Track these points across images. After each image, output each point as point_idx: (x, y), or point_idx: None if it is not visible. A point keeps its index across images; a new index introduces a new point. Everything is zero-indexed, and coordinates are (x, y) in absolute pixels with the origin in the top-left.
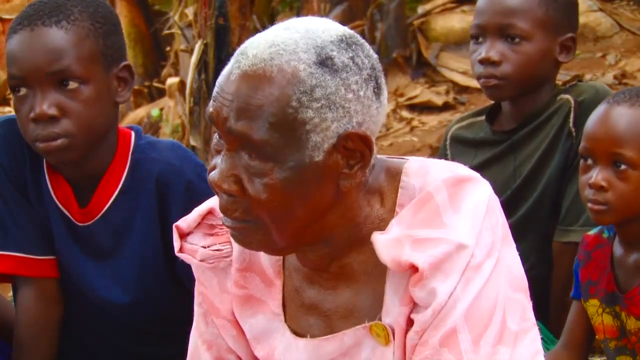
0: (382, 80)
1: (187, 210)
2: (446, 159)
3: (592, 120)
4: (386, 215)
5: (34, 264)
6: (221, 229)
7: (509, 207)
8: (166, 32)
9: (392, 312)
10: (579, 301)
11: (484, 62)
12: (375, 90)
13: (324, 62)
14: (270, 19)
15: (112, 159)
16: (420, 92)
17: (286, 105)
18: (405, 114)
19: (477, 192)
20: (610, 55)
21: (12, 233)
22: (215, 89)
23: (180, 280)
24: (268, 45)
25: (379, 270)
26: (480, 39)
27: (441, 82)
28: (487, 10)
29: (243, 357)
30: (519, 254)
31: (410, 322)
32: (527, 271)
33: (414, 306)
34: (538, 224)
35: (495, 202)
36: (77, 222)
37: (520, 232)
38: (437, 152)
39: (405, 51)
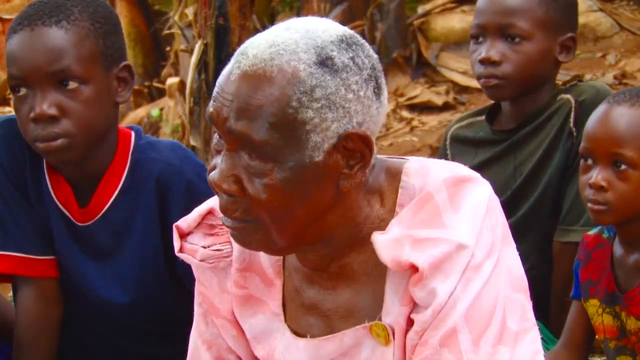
0: (382, 80)
1: (187, 210)
2: (446, 158)
3: (592, 120)
4: (386, 215)
5: (34, 264)
6: (221, 229)
7: (509, 207)
8: (166, 32)
9: (392, 312)
10: (579, 301)
11: (484, 62)
12: (376, 90)
13: (324, 62)
14: (270, 19)
15: (112, 159)
16: (420, 92)
17: (286, 106)
18: (405, 114)
19: (477, 192)
20: (610, 55)
21: (12, 233)
22: (216, 89)
23: (180, 280)
24: (268, 45)
25: (379, 270)
26: (481, 39)
27: (441, 82)
28: (487, 10)
29: (243, 357)
30: (519, 254)
31: (410, 322)
32: (527, 271)
33: (414, 306)
34: (538, 223)
35: (496, 202)
36: (77, 222)
37: (520, 232)
38: (437, 152)
39: (405, 51)
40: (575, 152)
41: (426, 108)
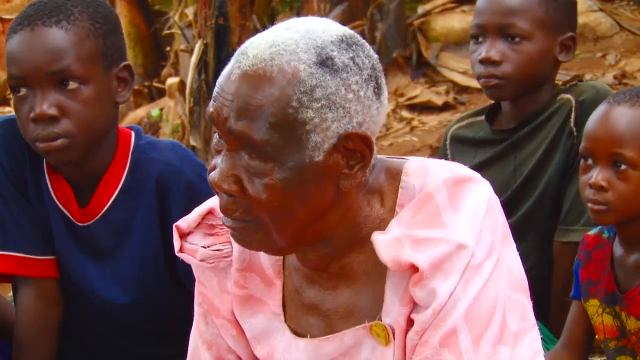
0: (383, 80)
1: (187, 210)
2: (446, 158)
3: (593, 120)
4: (386, 215)
5: (34, 264)
6: (221, 229)
7: (509, 207)
8: (166, 32)
9: (392, 312)
10: (579, 301)
11: (485, 61)
12: (376, 90)
13: (324, 62)
14: (270, 19)
15: (112, 159)
16: (420, 92)
17: (286, 106)
18: (405, 114)
19: (477, 192)
20: (610, 55)
21: (12, 233)
22: (216, 89)
23: (180, 280)
24: (268, 45)
25: (379, 270)
26: (480, 39)
27: (441, 82)
28: (487, 10)
29: (243, 357)
30: (519, 254)
31: (410, 322)
32: (527, 271)
33: (414, 306)
34: (538, 223)
35: (496, 202)
36: (77, 222)
37: (520, 232)
38: (437, 152)
39: (405, 51)
40: (575, 152)
41: (426, 108)
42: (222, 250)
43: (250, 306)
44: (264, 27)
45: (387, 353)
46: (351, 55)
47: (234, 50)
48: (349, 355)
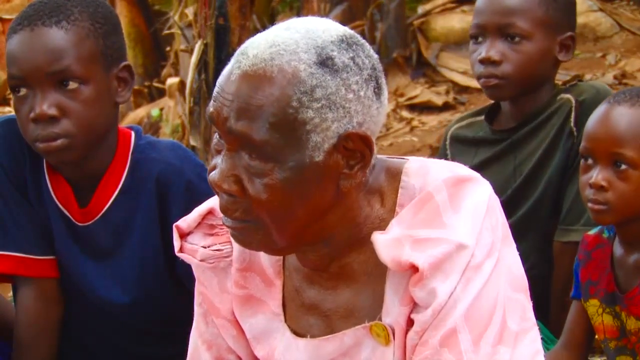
0: (383, 80)
1: (187, 210)
2: (446, 158)
3: (593, 120)
4: (386, 215)
5: (34, 264)
6: (221, 229)
7: (509, 207)
8: (166, 32)
9: (392, 312)
10: (579, 301)
11: (485, 61)
12: (376, 90)
13: (325, 62)
14: (270, 19)
15: (112, 159)
16: (420, 92)
17: (286, 106)
18: (405, 114)
19: (477, 192)
20: (610, 55)
21: (12, 233)
22: (216, 89)
23: (180, 280)
24: (268, 45)
25: (379, 270)
26: (480, 39)
27: (441, 82)
28: (487, 10)
29: (243, 357)
30: (519, 254)
31: (410, 322)
32: (527, 271)
33: (414, 306)
34: (538, 223)
35: (496, 202)
36: (77, 222)
37: (520, 232)
38: (437, 152)
39: (405, 51)
40: (575, 152)
41: (426, 108)
42: (222, 250)
43: (250, 306)
44: (264, 27)
45: (387, 353)
46: (351, 55)
47: (234, 50)
48: (349, 355)
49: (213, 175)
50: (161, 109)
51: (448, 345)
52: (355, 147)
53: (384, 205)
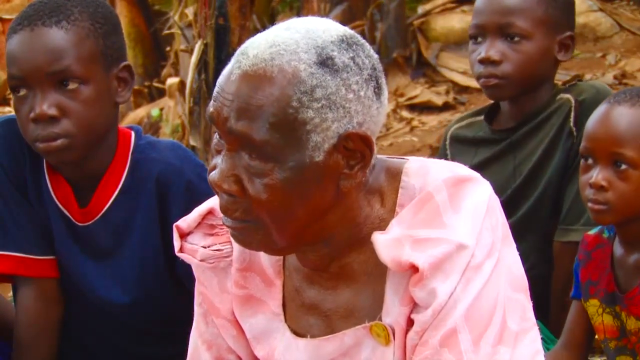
0: (383, 80)
1: (187, 210)
2: (446, 158)
3: (593, 120)
4: (386, 215)
5: (34, 264)
6: (221, 228)
7: (509, 207)
8: (166, 32)
9: (392, 312)
10: (579, 301)
11: (484, 61)
12: (376, 90)
13: (325, 62)
14: (270, 19)
15: (112, 159)
16: (420, 92)
17: (287, 106)
18: (405, 114)
19: (478, 192)
20: (610, 55)
21: (12, 233)
22: (216, 89)
23: (180, 280)
24: (269, 45)
25: (379, 270)
26: (480, 39)
27: (441, 82)
28: (486, 10)
29: (243, 357)
30: (519, 254)
31: (410, 322)
32: (527, 271)
33: (414, 306)
34: (538, 223)
35: (496, 202)
36: (77, 222)
37: (520, 232)
38: (437, 152)
39: (405, 51)
40: (575, 152)
41: (426, 108)
42: (222, 250)
43: (250, 306)
44: (264, 27)
45: (387, 353)
46: (351, 55)
47: (234, 50)
48: (349, 355)
49: (213, 175)
50: (161, 109)
51: (448, 345)
52: (356, 147)
53: (384, 205)
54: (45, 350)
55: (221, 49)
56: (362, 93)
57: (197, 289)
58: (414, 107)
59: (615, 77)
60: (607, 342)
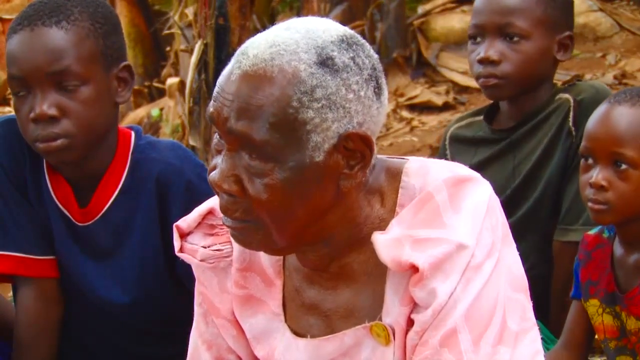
0: (383, 80)
1: (187, 210)
2: (446, 158)
3: (593, 119)
4: (386, 215)
5: (34, 264)
6: (221, 228)
7: (509, 207)
8: (166, 32)
9: (393, 312)
10: (579, 301)
11: (484, 61)
12: (376, 90)
13: (325, 62)
14: (270, 19)
15: (112, 159)
16: (420, 92)
17: (287, 106)
18: (405, 114)
19: (478, 192)
20: (610, 55)
21: (12, 233)
22: (216, 89)
23: (180, 280)
24: (269, 45)
25: (379, 271)
26: (479, 39)
27: (441, 82)
28: (485, 10)
29: (243, 357)
30: (519, 254)
31: (410, 322)
32: (527, 271)
33: (414, 306)
34: (538, 223)
35: (496, 202)
36: (77, 222)
37: (520, 232)
38: (437, 152)
39: (405, 51)
40: (574, 152)
41: (426, 108)
42: (222, 250)
43: (251, 306)
44: (264, 27)
45: (387, 353)
46: (351, 55)
47: (234, 50)
48: (349, 355)
49: (213, 175)
50: (161, 109)
51: (448, 345)
52: (356, 147)
53: (384, 205)
54: (45, 350)
55: (221, 49)
56: (362, 93)
57: (197, 289)
58: (414, 107)
59: (615, 77)
60: (607, 342)
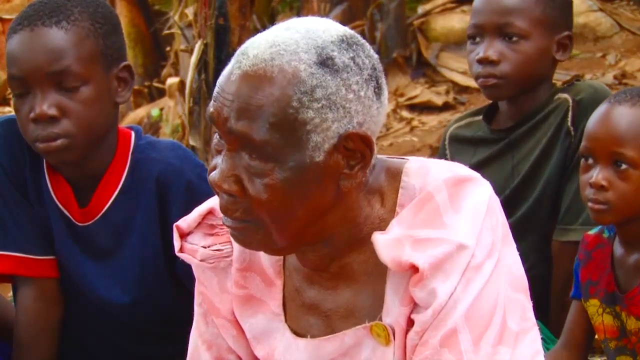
0: (383, 80)
1: (187, 210)
2: (445, 158)
3: (593, 119)
4: (386, 215)
5: (34, 264)
6: (221, 228)
7: (508, 207)
8: (166, 32)
9: (393, 312)
10: (579, 301)
11: (483, 61)
12: (376, 90)
13: (325, 63)
14: (270, 19)
15: (112, 159)
16: (420, 92)
17: (287, 106)
18: (405, 114)
19: (478, 192)
20: (610, 55)
21: (12, 233)
22: (216, 89)
23: (180, 280)
24: (269, 45)
25: (379, 271)
26: (478, 39)
27: (441, 82)
28: (485, 10)
29: (243, 357)
30: (519, 254)
31: (410, 322)
32: (527, 271)
33: (415, 306)
34: (537, 223)
35: (496, 202)
36: (77, 222)
37: (519, 232)
38: (437, 152)
39: (405, 51)
40: (573, 151)
41: (426, 108)
42: (222, 250)
43: (251, 306)
44: (264, 27)
45: (387, 353)
46: (351, 55)
47: (234, 50)
48: (349, 355)
49: (213, 176)
50: (161, 109)
51: (448, 345)
52: (356, 147)
53: (384, 205)
54: (45, 350)
55: (221, 49)
56: (362, 93)
57: (197, 289)
58: (414, 107)
59: (615, 77)
60: (607, 342)
